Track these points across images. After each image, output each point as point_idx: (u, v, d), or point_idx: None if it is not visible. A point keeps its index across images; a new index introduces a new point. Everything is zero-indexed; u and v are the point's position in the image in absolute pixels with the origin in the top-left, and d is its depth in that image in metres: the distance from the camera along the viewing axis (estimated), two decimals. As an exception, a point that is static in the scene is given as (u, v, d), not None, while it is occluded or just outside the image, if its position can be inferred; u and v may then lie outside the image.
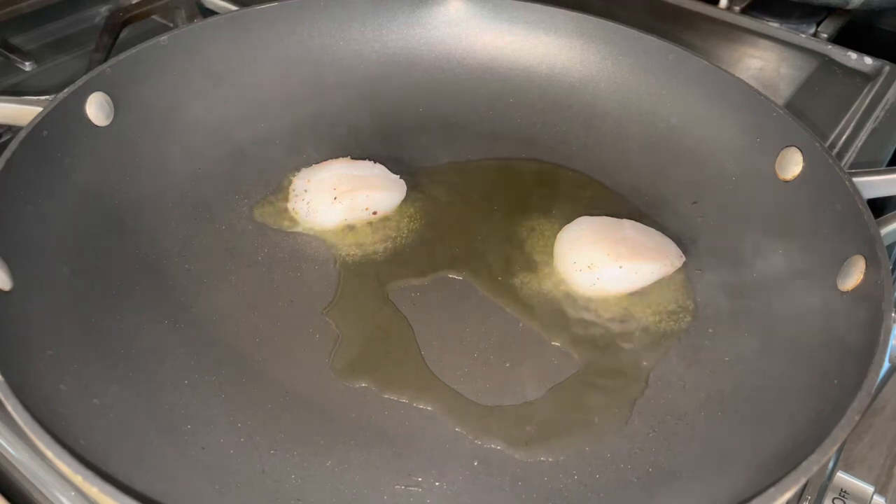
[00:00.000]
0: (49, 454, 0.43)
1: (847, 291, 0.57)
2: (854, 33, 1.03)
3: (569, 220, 0.69)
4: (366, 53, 0.82)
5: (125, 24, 0.91)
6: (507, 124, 0.80)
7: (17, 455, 0.53)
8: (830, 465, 0.56)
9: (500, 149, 0.78)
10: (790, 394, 0.55)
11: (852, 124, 0.85)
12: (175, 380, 0.56)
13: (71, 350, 0.55)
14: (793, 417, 0.53)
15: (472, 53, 0.83)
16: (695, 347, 0.61)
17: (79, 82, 0.65)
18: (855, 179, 0.61)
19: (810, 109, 0.87)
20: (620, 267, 0.64)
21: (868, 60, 0.94)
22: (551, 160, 0.77)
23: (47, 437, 0.43)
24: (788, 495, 0.43)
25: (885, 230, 0.59)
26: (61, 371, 0.53)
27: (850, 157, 0.80)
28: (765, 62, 0.97)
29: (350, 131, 0.78)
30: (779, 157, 0.68)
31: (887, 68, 0.93)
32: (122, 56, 0.69)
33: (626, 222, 0.68)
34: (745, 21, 1.02)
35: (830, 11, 1.05)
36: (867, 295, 0.55)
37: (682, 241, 0.68)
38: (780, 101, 0.87)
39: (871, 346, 0.50)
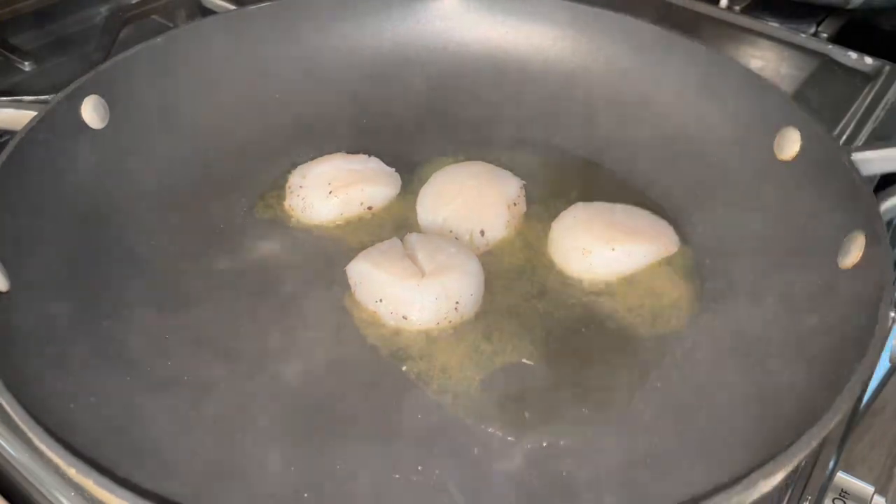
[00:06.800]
0: (44, 448, 0.43)
1: (847, 269, 0.57)
2: (854, 33, 1.03)
3: (564, 207, 0.69)
4: (361, 49, 0.82)
5: (125, 24, 0.91)
6: (503, 116, 0.80)
7: (17, 455, 0.53)
8: (831, 465, 0.56)
9: (496, 140, 0.77)
10: (792, 373, 0.55)
11: (853, 124, 0.85)
12: (175, 377, 0.56)
13: (69, 349, 0.55)
14: (796, 396, 0.52)
15: (466, 46, 0.83)
16: (696, 330, 0.61)
17: (73, 85, 0.65)
18: (854, 156, 0.61)
19: (811, 109, 0.87)
20: (613, 249, 0.64)
21: (868, 60, 0.94)
22: (547, 149, 0.77)
23: (42, 432, 0.43)
24: (790, 468, 0.43)
25: (884, 205, 0.59)
26: (59, 370, 0.53)
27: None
28: (765, 62, 0.97)
29: (346, 126, 0.78)
30: (777, 138, 0.67)
31: (887, 68, 0.93)
32: (116, 58, 0.69)
33: (621, 207, 0.68)
34: (746, 21, 1.02)
35: (831, 11, 1.05)
36: (867, 271, 0.54)
37: (680, 225, 0.68)
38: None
39: (871, 321, 0.50)
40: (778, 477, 0.43)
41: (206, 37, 0.75)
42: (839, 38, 1.01)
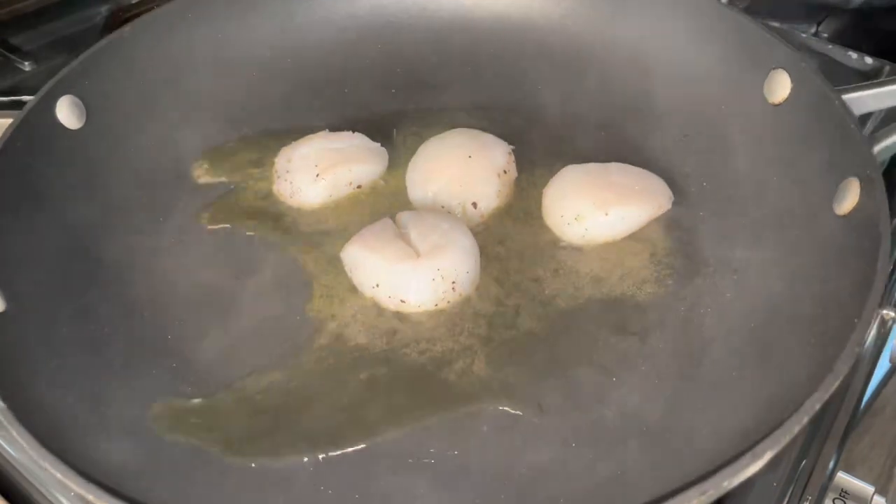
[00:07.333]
0: (58, 475, 0.43)
1: (844, 215, 0.56)
2: (854, 33, 1.03)
3: (556, 169, 0.68)
4: (336, 20, 0.81)
5: (125, 23, 0.90)
6: (487, 77, 0.79)
7: (17, 455, 0.53)
8: (831, 465, 0.56)
9: (480, 102, 0.76)
10: (793, 327, 0.54)
11: (852, 124, 0.85)
12: (182, 379, 0.56)
13: (74, 361, 0.55)
14: (798, 351, 0.52)
15: (444, 7, 0.82)
16: (696, 288, 0.61)
17: (45, 88, 0.63)
18: (845, 97, 0.61)
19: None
20: (607, 214, 0.64)
21: (868, 60, 0.94)
22: (535, 108, 0.76)
23: (56, 460, 0.43)
24: (802, 424, 0.43)
25: (878, 147, 0.59)
26: (67, 383, 0.53)
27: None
28: (765, 62, 0.97)
29: (328, 101, 0.77)
30: (766, 81, 0.67)
31: (887, 68, 0.93)
32: (85, 54, 0.67)
33: (613, 166, 0.67)
34: (746, 21, 1.02)
35: (831, 11, 1.05)
36: (864, 217, 0.54)
37: (673, 177, 0.68)
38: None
39: (870, 270, 0.49)
40: (782, 443, 0.43)
41: (176, 22, 0.74)
42: (839, 38, 1.01)
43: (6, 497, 0.53)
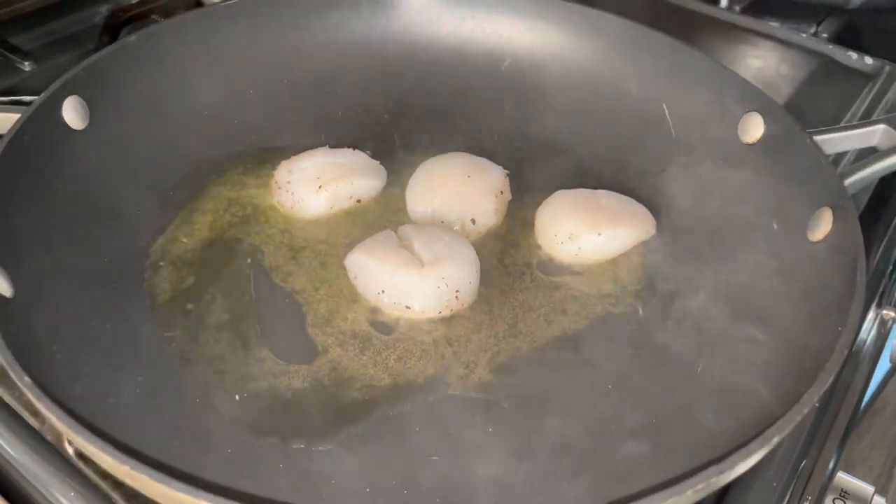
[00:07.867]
0: (92, 448, 0.42)
1: (818, 241, 0.59)
2: (854, 33, 1.03)
3: (546, 195, 0.70)
4: (332, 45, 0.82)
5: (125, 23, 0.91)
6: (475, 106, 0.80)
7: (17, 455, 0.53)
8: (831, 465, 0.56)
9: (469, 130, 0.78)
10: (778, 342, 0.56)
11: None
12: (188, 376, 0.56)
13: (80, 353, 0.55)
14: (787, 363, 0.54)
15: (436, 40, 0.84)
16: (681, 307, 0.62)
17: (53, 86, 0.64)
18: (816, 138, 0.64)
19: (811, 109, 0.87)
20: (599, 234, 0.65)
21: (868, 60, 0.94)
22: (521, 138, 0.78)
23: (89, 434, 0.42)
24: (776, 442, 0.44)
25: (849, 181, 0.61)
26: (74, 374, 0.53)
27: (850, 156, 0.80)
28: (765, 62, 0.97)
29: (324, 121, 0.78)
30: (741, 123, 0.69)
31: (887, 68, 0.93)
32: (93, 58, 0.68)
33: (602, 192, 0.69)
34: (746, 21, 1.02)
35: (831, 11, 1.05)
36: (838, 242, 0.57)
37: (654, 208, 0.70)
38: (781, 101, 0.87)
39: (847, 290, 0.52)
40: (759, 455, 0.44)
41: (181, 35, 0.75)
42: (839, 38, 1.01)
43: (6, 497, 0.53)
